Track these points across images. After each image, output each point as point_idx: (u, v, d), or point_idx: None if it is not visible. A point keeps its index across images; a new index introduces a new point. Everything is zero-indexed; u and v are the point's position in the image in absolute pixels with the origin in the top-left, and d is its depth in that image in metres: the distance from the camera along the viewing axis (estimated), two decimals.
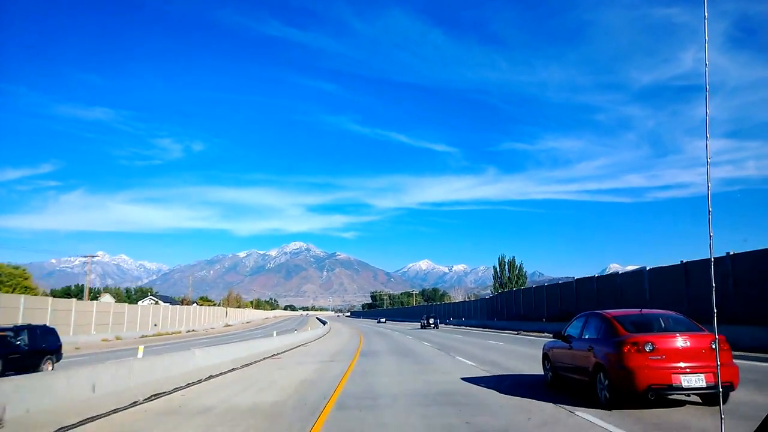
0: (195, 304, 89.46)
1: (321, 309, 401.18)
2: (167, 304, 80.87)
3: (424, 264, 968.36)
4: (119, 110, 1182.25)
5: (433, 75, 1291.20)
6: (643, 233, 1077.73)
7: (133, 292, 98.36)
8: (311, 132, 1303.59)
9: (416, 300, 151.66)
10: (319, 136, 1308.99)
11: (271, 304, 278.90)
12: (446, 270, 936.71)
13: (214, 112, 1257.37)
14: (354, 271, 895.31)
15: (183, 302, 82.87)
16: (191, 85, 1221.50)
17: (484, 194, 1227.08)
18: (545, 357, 12.22)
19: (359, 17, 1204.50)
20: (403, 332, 49.23)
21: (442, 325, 66.34)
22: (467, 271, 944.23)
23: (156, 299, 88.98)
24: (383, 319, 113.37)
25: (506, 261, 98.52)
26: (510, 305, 55.24)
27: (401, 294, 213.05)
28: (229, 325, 75.20)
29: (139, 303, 79.98)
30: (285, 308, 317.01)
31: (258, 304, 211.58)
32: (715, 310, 4.34)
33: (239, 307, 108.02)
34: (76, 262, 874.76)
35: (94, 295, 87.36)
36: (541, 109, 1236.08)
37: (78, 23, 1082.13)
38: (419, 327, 60.30)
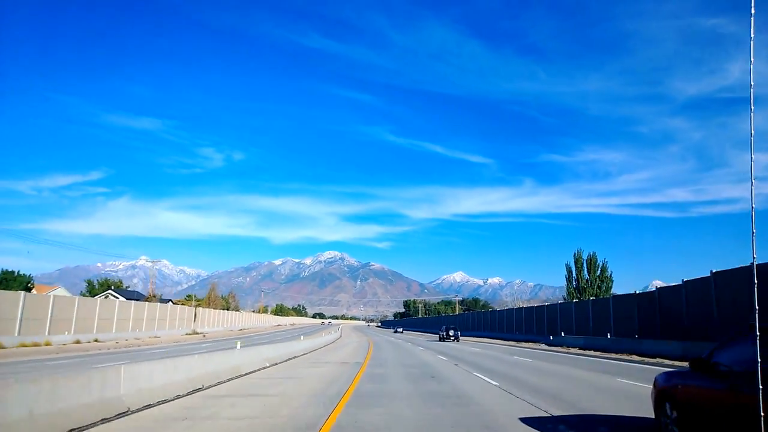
0: (170, 303, 65.82)
1: (353, 318, 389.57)
2: (132, 300, 57.43)
3: (458, 276, 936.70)
4: (165, 120, 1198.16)
5: (470, 86, 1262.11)
6: (688, 250, 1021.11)
7: (96, 285, 76.19)
8: (347, 142, 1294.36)
9: (458, 309, 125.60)
10: (355, 146, 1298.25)
11: (298, 311, 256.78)
12: (481, 282, 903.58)
13: (253, 123, 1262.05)
14: (388, 281, 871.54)
15: (148, 300, 59.13)
16: (232, 96, 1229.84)
17: (520, 206, 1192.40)
18: (663, 397, 6.68)
19: (396, 29, 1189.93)
20: (422, 345, 40.54)
21: (470, 338, 58.29)
22: (502, 285, 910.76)
23: (116, 294, 65.95)
24: (400, 329, 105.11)
25: (584, 259, 71.67)
26: (584, 317, 40.55)
27: (439, 303, 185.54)
28: (197, 333, 51.20)
29: (97, 298, 57.44)
30: (313, 316, 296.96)
31: (280, 310, 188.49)
32: None
33: (227, 308, 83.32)
34: (120, 266, 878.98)
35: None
36: (580, 121, 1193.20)
37: (126, 38, 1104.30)
38: (437, 339, 54.38)
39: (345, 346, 36.56)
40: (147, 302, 49.07)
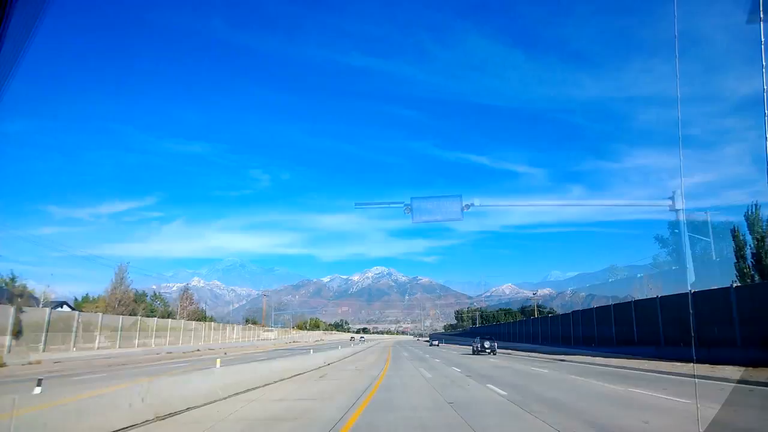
0: (77, 312, 40.31)
1: (402, 333, 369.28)
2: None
3: (507, 288, 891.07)
4: (215, 144, 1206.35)
5: (513, 96, 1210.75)
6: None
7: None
8: (393, 158, 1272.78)
9: (536, 312, 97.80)
10: (401, 161, 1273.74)
11: (339, 327, 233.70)
12: (531, 295, 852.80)
13: (299, 142, 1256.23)
14: (436, 295, 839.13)
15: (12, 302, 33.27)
16: (279, 118, 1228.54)
17: (570, 216, 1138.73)
18: None
19: (438, 43, 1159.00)
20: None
21: (526, 353, 47.28)
22: (553, 296, 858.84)
23: None
24: (436, 342, 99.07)
25: (762, 220, 42.24)
26: None
27: (498, 311, 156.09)
28: (3, 365, 24.52)
29: None
30: (357, 331, 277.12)
31: (315, 324, 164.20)
32: None
33: (165, 316, 53.59)
34: (174, 288, 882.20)
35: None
36: (628, 125, 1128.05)
37: (176, 67, 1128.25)
38: (470, 352, 50.23)
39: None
40: None
